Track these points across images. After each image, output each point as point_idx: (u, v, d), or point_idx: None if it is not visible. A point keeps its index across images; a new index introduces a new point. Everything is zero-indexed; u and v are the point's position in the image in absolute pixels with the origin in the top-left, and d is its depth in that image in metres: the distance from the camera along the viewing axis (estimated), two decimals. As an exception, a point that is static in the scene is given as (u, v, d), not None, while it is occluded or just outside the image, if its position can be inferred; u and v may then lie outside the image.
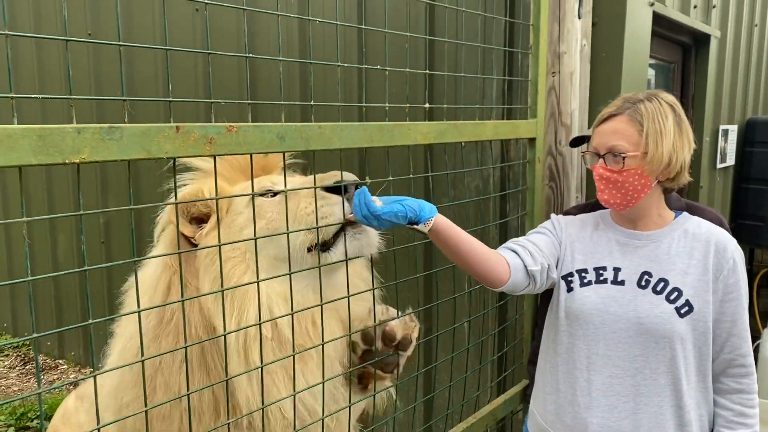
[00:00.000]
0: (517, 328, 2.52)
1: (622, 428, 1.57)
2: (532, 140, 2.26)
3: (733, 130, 4.09)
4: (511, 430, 2.55)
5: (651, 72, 3.61)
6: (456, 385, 2.68)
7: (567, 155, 2.41)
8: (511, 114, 2.59)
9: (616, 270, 1.65)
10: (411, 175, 1.75)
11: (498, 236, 2.69)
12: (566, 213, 2.26)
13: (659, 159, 1.53)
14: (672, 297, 1.55)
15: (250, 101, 1.32)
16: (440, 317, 2.82)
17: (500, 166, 2.69)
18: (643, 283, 1.60)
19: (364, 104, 1.63)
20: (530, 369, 2.23)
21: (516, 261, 1.66)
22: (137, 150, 1.09)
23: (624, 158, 1.55)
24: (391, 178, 1.67)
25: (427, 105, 1.80)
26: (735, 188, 4.30)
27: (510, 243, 1.76)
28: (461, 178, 2.82)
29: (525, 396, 2.30)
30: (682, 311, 1.54)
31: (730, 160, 4.10)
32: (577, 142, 1.90)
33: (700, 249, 1.58)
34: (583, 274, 1.69)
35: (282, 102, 1.37)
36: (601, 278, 1.65)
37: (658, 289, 1.57)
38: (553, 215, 1.88)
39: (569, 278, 1.70)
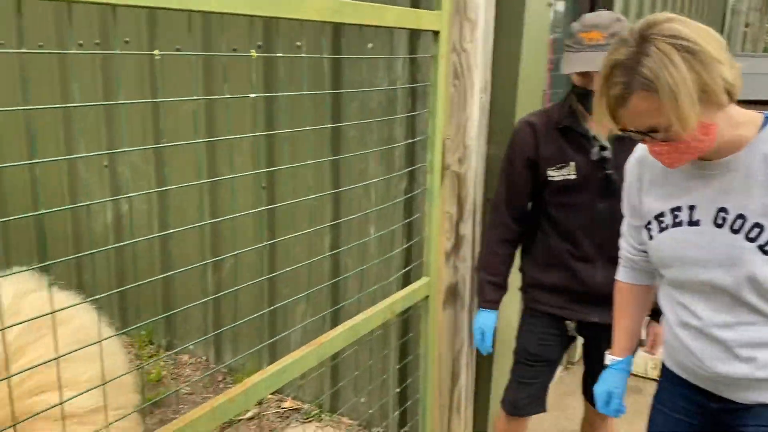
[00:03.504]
0: (420, 224, 2.53)
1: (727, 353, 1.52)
2: (436, 34, 2.20)
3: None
4: (410, 326, 2.61)
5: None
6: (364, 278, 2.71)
7: (471, 52, 2.37)
8: (419, 6, 2.52)
9: (691, 208, 1.50)
10: (303, 55, 1.67)
11: (404, 134, 2.66)
12: (528, 123, 2.17)
13: (689, 109, 1.29)
14: (752, 235, 1.41)
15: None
16: (346, 206, 2.77)
17: (406, 59, 2.63)
18: (719, 221, 1.45)
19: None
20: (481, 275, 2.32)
21: (644, 276, 1.78)
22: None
23: (669, 133, 1.34)
24: (280, 54, 1.58)
25: (321, -21, 1.69)
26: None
27: (626, 253, 1.78)
28: (369, 80, 2.74)
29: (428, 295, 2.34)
30: (767, 248, 1.40)
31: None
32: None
33: None
34: (661, 219, 1.56)
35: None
36: (677, 220, 1.52)
37: (736, 227, 1.43)
38: (627, 165, 1.68)
39: (649, 227, 1.60)
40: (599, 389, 1.81)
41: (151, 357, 3.70)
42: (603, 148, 2.07)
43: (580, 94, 2.07)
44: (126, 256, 3.77)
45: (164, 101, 1.43)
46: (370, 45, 2.71)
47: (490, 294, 2.29)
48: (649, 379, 3.64)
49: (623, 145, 2.03)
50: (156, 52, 1.24)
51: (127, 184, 3.64)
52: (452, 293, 2.54)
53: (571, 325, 2.26)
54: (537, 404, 2.33)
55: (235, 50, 3.10)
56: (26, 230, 4.13)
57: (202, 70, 3.13)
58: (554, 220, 2.18)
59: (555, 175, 2.13)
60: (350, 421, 3.11)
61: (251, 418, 3.24)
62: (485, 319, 2.29)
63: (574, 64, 2.01)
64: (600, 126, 2.05)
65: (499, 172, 2.28)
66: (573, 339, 2.34)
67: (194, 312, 3.55)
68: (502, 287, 2.31)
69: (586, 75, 2.02)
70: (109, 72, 3.51)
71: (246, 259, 3.27)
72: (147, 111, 3.40)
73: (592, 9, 3.77)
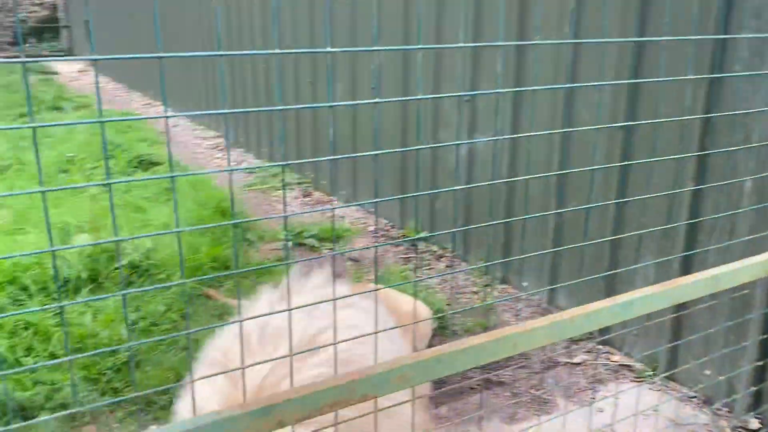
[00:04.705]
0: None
1: None
2: None
3: None
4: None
5: None
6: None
7: None
8: None
9: None
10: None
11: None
12: None
13: None
14: None
15: None
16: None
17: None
18: None
19: None
20: None
21: None
22: None
23: None
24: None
25: None
26: None
27: None
28: None
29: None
30: None
31: None
32: None
33: None
34: None
35: None
36: None
37: None
38: None
39: None
40: None
41: (486, 286, 3.92)
42: None
43: None
44: (474, 190, 4.01)
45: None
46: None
47: None
48: None
49: None
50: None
51: (483, 121, 3.84)
52: None
53: None
54: None
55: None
56: (392, 158, 4.67)
57: (575, 3, 3.09)
58: None
59: None
60: (686, 390, 2.85)
61: (578, 364, 3.20)
62: None
63: None
64: None
65: None
66: None
67: (532, 251, 3.61)
68: None
69: None
70: (480, 20, 3.69)
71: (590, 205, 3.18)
72: (510, 53, 3.51)
73: None
